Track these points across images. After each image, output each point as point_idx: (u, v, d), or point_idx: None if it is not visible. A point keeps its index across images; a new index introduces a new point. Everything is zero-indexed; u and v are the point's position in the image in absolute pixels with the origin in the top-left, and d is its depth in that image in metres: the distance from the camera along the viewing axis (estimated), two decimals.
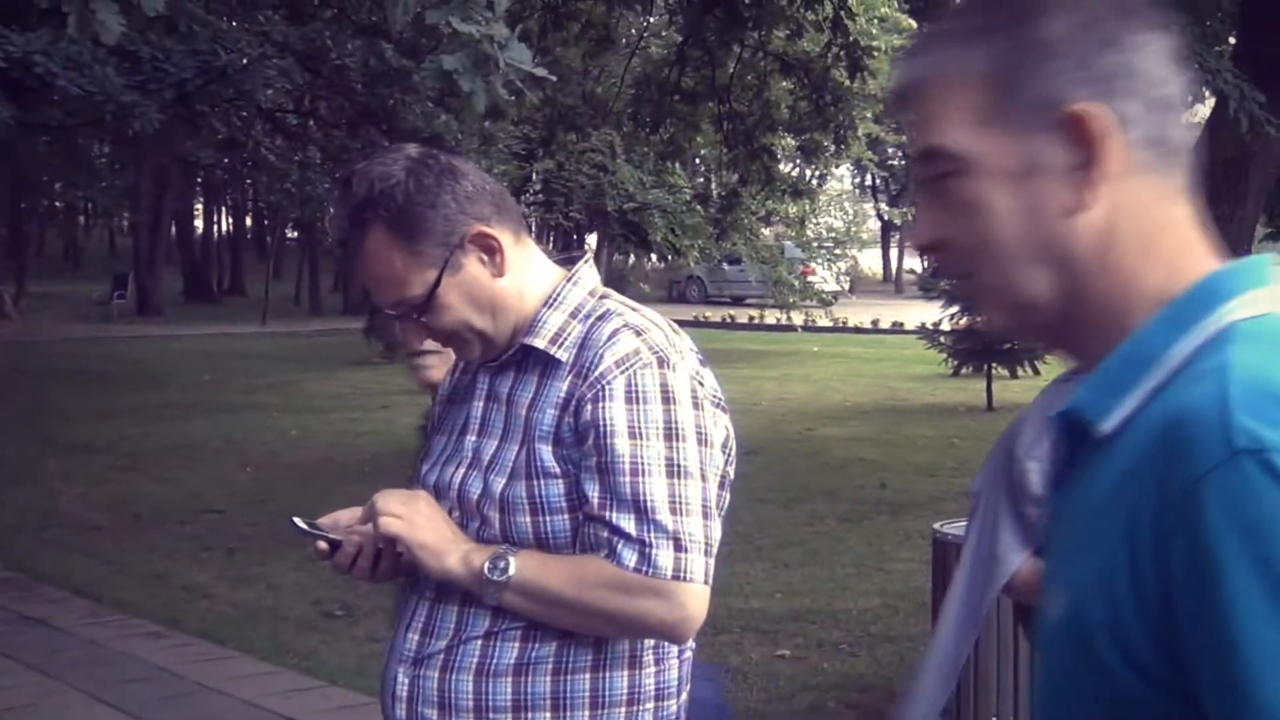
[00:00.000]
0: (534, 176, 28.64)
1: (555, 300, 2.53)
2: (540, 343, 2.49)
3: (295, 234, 49.84)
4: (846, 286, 46.61)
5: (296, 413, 19.21)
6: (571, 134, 23.51)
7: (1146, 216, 1.41)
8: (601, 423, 2.38)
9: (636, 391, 2.39)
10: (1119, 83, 1.41)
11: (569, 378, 2.45)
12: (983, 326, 1.50)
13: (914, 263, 58.42)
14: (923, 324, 21.86)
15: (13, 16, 13.98)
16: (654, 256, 34.46)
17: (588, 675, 2.45)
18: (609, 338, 2.44)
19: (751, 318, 37.16)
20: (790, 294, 29.89)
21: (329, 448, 15.56)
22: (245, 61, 16.93)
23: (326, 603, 8.93)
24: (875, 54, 17.36)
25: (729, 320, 38.55)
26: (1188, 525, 1.23)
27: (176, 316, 39.16)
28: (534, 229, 38.28)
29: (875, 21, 19.80)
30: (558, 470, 2.42)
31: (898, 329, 34.13)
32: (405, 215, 2.46)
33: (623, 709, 2.47)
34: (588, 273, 2.61)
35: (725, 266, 42.21)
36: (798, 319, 33.35)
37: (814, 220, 36.58)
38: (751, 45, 16.91)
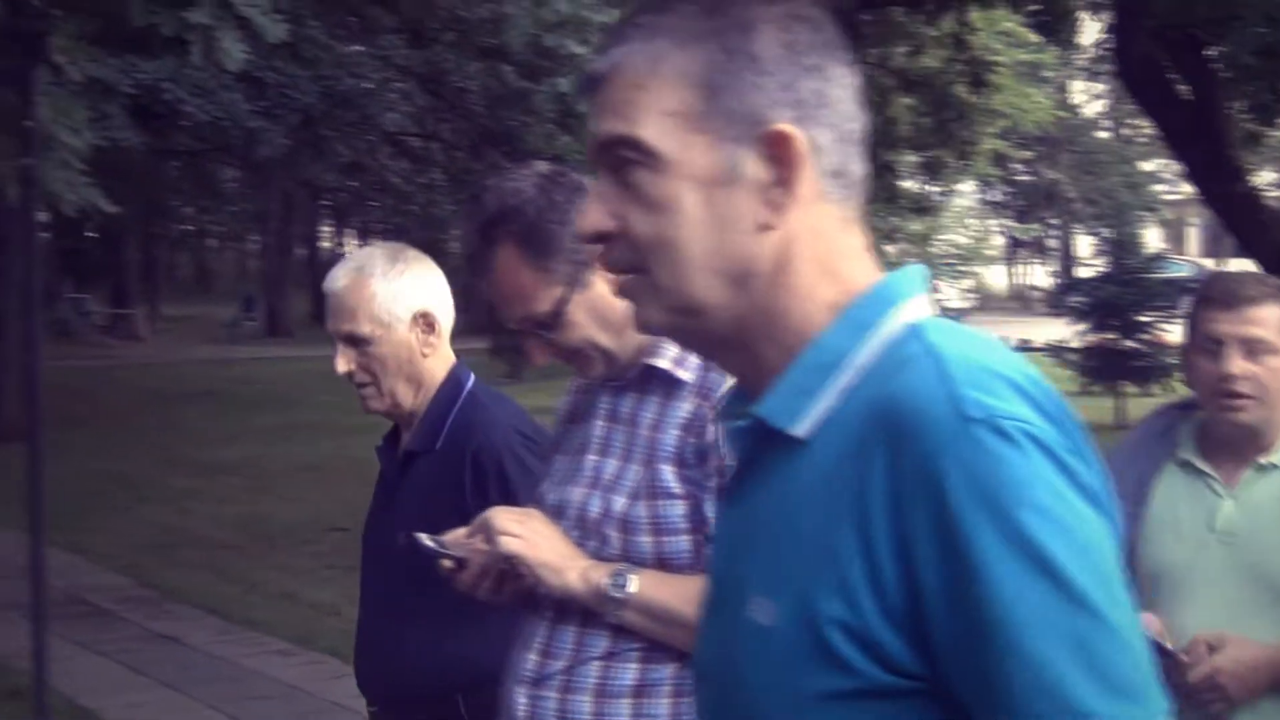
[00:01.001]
0: None
1: None
2: (663, 363, 2.47)
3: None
4: (972, 303, 46.20)
5: None
6: None
7: (825, 241, 1.44)
8: (724, 444, 2.32)
9: None
10: (817, 110, 1.43)
11: (692, 398, 2.43)
12: (636, 324, 1.48)
13: (1041, 279, 57.83)
14: (1051, 340, 21.59)
15: (141, 46, 14.27)
16: None
17: None
18: None
19: None
20: None
21: None
22: (368, 86, 17.17)
23: None
24: (998, 69, 17.21)
25: None
26: (930, 503, 1.27)
27: (305, 338, 39.61)
28: None
29: (997, 36, 19.63)
30: (680, 491, 2.39)
31: (1025, 346, 33.72)
32: (535, 232, 2.47)
33: None
34: None
35: None
36: None
37: (938, 237, 36.35)
38: (872, 62, 16.81)
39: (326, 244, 59.38)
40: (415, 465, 3.23)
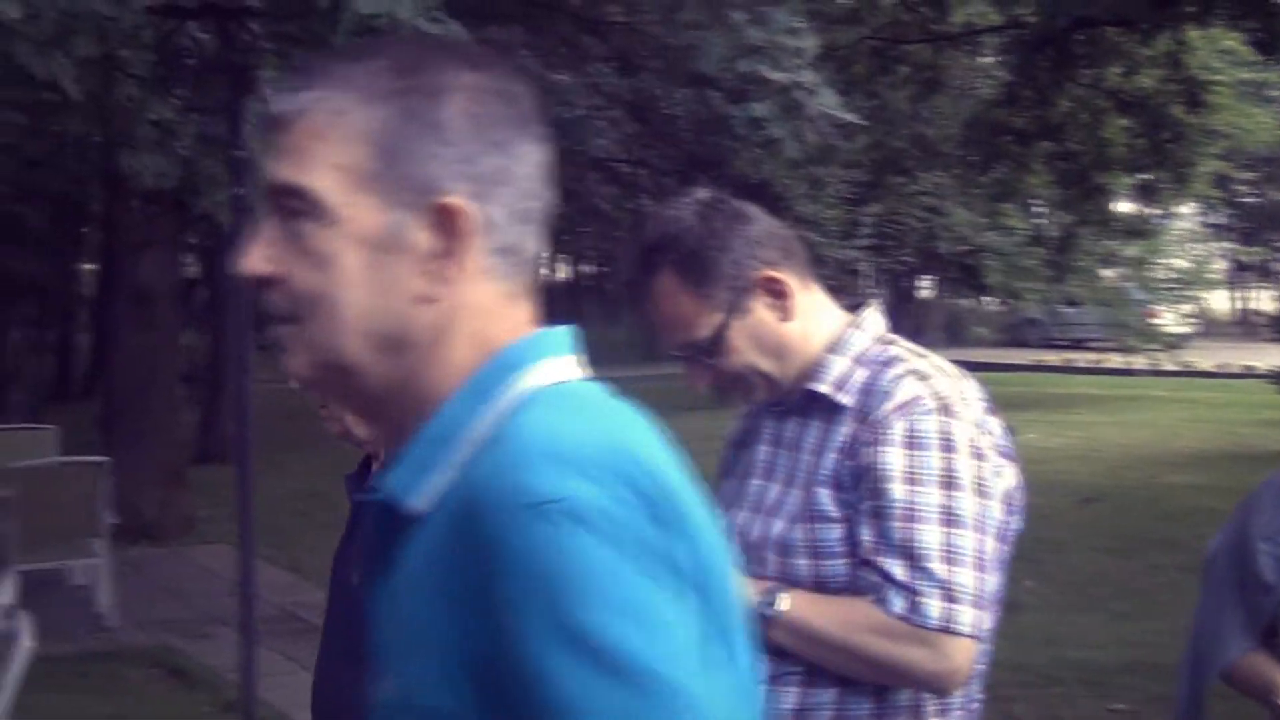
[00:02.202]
0: (864, 220, 28.51)
1: (840, 345, 2.53)
2: (824, 388, 2.49)
3: None
4: (1193, 329, 44.98)
5: None
6: (900, 177, 23.35)
7: (486, 318, 1.40)
8: (878, 467, 2.37)
9: (916, 437, 2.37)
10: (494, 188, 1.40)
11: (851, 422, 2.44)
12: (287, 373, 1.42)
13: (1266, 304, 56.07)
14: (1274, 366, 20.94)
15: None
16: (989, 299, 33.92)
17: None
18: (892, 383, 2.43)
19: (1093, 362, 36.13)
20: (1133, 337, 29.00)
21: None
22: (575, 115, 17.38)
23: None
24: (1217, 89, 16.79)
25: (1068, 364, 37.58)
26: (489, 599, 1.21)
27: None
28: (865, 273, 38.13)
29: (1218, 55, 19.15)
30: (836, 514, 2.41)
31: (1248, 373, 32.74)
32: (695, 258, 2.48)
33: None
34: (874, 318, 2.59)
35: (1065, 309, 41.21)
36: (1141, 363, 32.31)
37: (1157, 261, 35.46)
38: (1085, 83, 16.53)
39: (541, 269, 60.07)
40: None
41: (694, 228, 2.50)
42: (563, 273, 65.62)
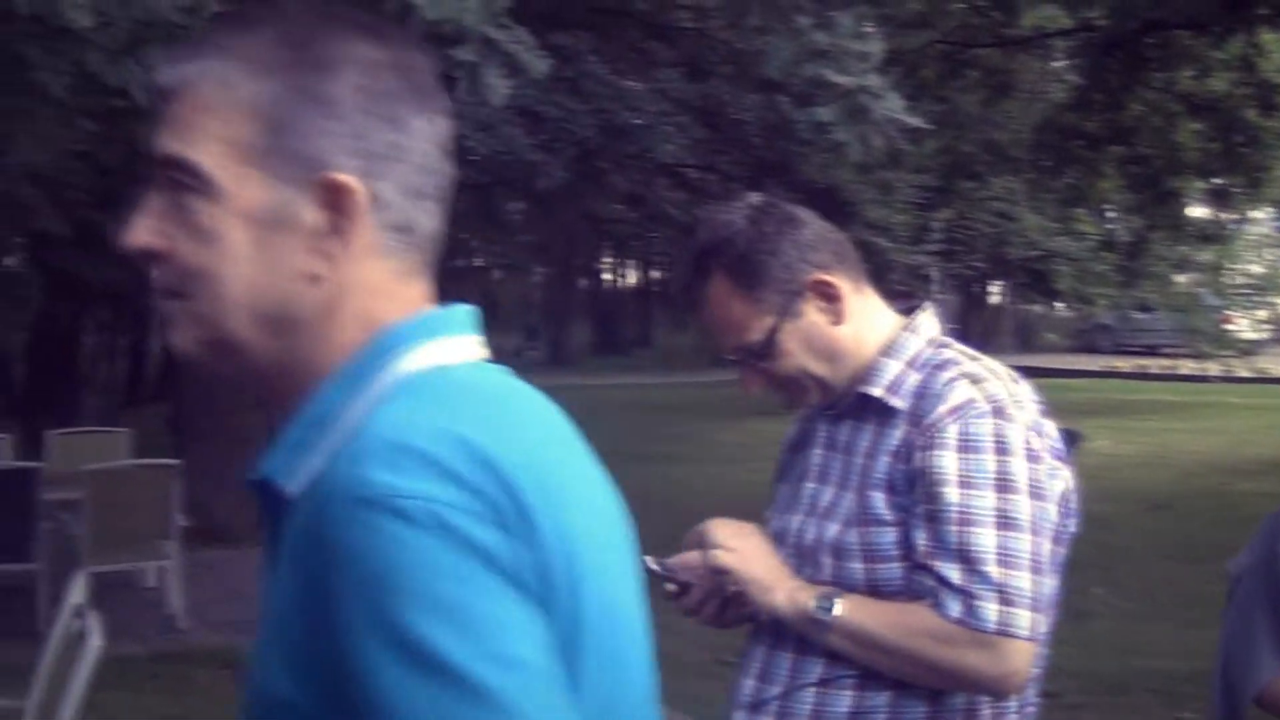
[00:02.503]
0: (934, 225, 28.38)
1: (894, 349, 2.53)
2: (877, 390, 2.49)
3: None
4: (1268, 335, 44.48)
5: (700, 462, 19.43)
6: (970, 181, 23.24)
7: (376, 297, 1.37)
8: (932, 470, 2.36)
9: (970, 441, 2.36)
10: (385, 164, 1.37)
11: (904, 425, 2.44)
12: (175, 351, 1.40)
13: None
14: None
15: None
16: (1060, 304, 33.70)
17: None
18: (945, 386, 2.43)
19: (1165, 368, 35.78)
20: (1207, 343, 28.73)
21: (733, 498, 15.58)
22: (643, 121, 17.42)
23: (722, 650, 8.99)
24: None
25: (1141, 370, 37.25)
26: (323, 593, 1.20)
27: (586, 367, 40.24)
28: (934, 278, 37.93)
29: None
30: (890, 518, 2.41)
31: None
32: (745, 262, 2.50)
33: None
34: (927, 321, 2.59)
35: (1137, 314, 40.87)
36: (1214, 369, 31.99)
37: (1232, 266, 35.14)
38: (1156, 86, 16.40)
39: (608, 275, 60.24)
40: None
41: (745, 231, 2.51)
42: (631, 278, 65.67)
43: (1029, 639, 2.34)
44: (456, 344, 1.42)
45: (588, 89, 17.29)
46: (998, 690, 2.39)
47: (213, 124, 1.36)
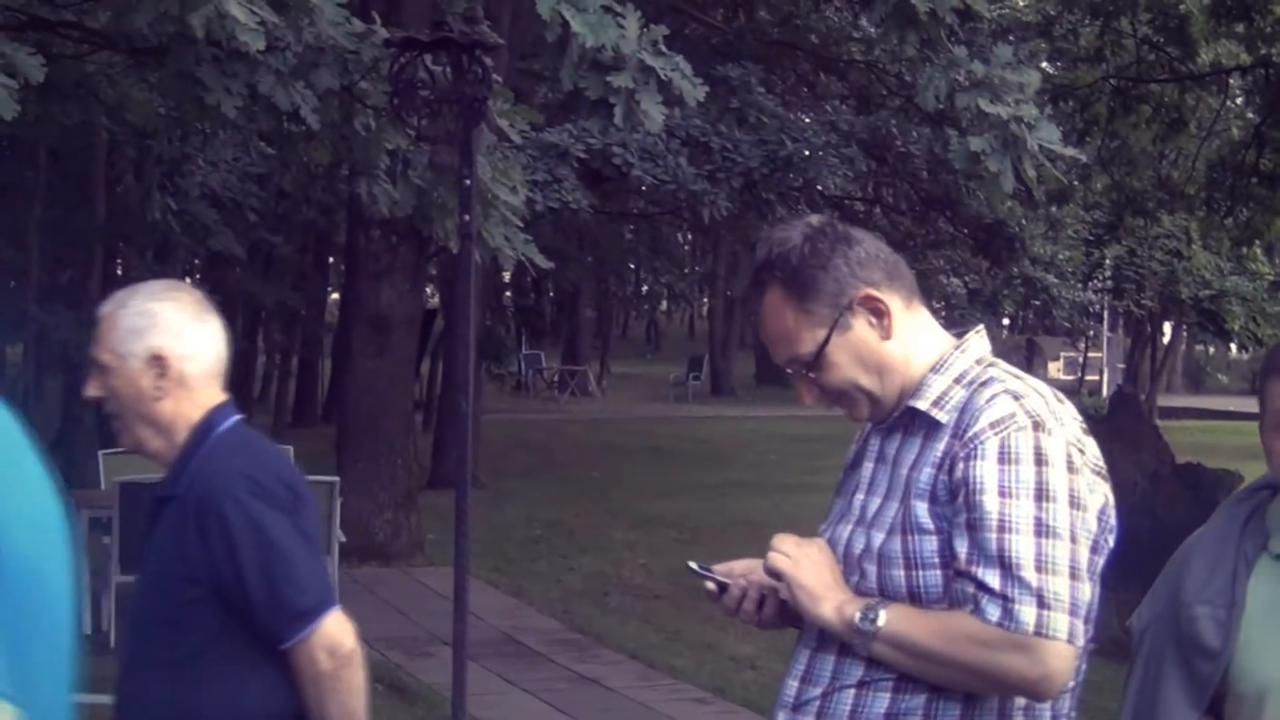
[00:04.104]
0: (1105, 262, 27.95)
1: (941, 366, 2.63)
2: (923, 405, 2.58)
3: None
4: None
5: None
6: (1141, 219, 22.88)
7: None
8: (973, 480, 2.45)
9: (1009, 453, 2.45)
10: None
11: (947, 439, 2.53)
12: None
13: None
14: None
15: (590, 111, 14.89)
16: (1233, 346, 32.95)
17: None
18: (988, 401, 2.52)
19: None
20: None
21: None
22: (809, 152, 17.42)
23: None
24: None
25: None
26: None
27: (747, 398, 40.26)
28: (1103, 315, 37.32)
29: None
30: (932, 527, 2.50)
31: None
32: (799, 276, 2.61)
33: None
34: (977, 342, 2.68)
35: None
36: None
37: None
38: None
39: None
40: (164, 511, 3.20)
41: (799, 247, 2.62)
42: None
43: (1068, 642, 2.40)
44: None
45: (755, 120, 17.35)
46: (1036, 693, 2.46)
47: None
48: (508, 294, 35.38)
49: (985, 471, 2.45)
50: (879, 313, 2.61)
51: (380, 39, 6.63)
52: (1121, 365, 40.02)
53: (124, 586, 9.69)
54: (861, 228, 2.78)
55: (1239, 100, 21.46)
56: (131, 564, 9.67)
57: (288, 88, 6.40)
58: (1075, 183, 21.07)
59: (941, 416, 2.55)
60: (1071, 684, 2.52)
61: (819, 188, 19.44)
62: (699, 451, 25.06)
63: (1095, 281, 29.26)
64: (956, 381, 2.59)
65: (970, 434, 2.48)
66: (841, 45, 21.79)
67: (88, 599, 10.11)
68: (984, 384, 2.57)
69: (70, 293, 17.78)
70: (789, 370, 2.68)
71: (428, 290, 26.52)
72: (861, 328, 2.61)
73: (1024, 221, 21.72)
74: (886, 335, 2.62)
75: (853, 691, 2.55)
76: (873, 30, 19.49)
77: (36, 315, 15.14)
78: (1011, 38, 21.77)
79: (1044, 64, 22.80)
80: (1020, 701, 2.52)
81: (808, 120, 19.79)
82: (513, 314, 35.06)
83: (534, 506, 17.28)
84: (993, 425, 2.48)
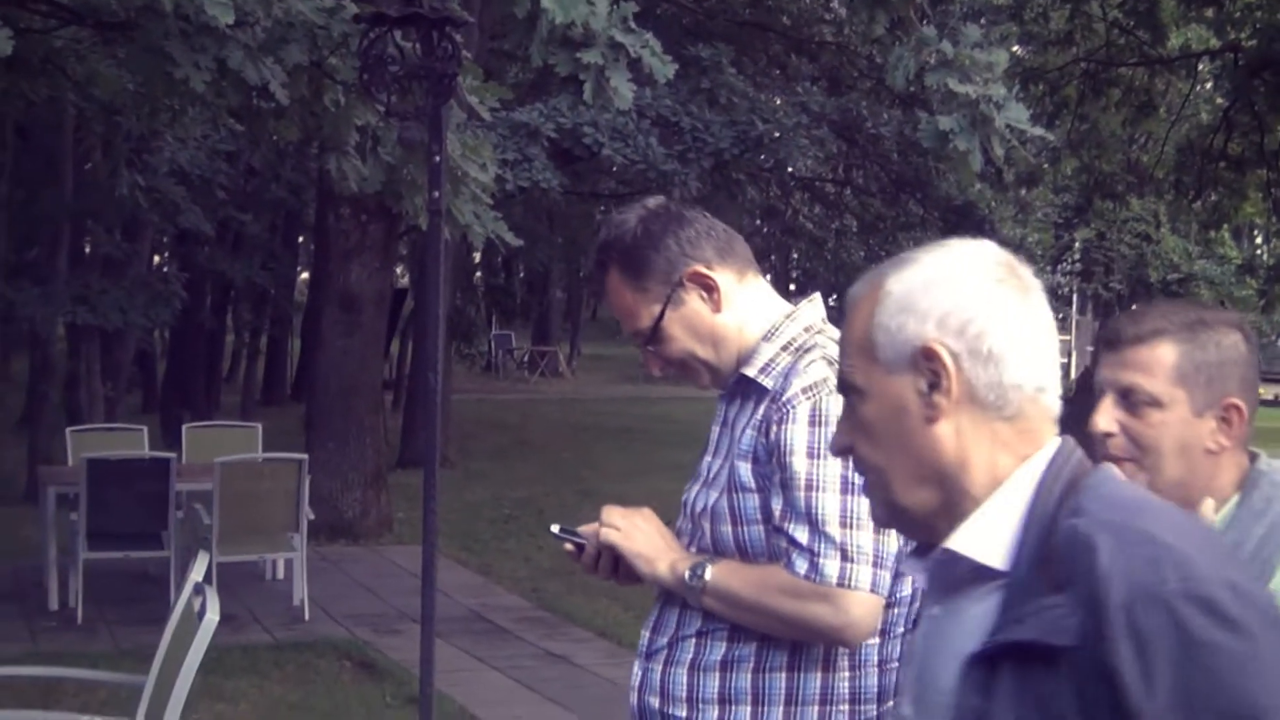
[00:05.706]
0: (1074, 245, 28.05)
1: (772, 334, 2.81)
2: (751, 371, 2.77)
3: (835, 300, 50.52)
4: None
5: None
6: (1110, 202, 22.96)
7: None
8: (784, 442, 2.64)
9: (819, 415, 2.63)
10: None
11: (766, 402, 2.71)
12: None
13: None
14: None
15: (559, 89, 14.84)
16: None
17: (784, 674, 2.70)
18: (806, 366, 2.69)
19: None
20: None
21: None
22: (780, 133, 17.40)
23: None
24: None
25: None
26: None
27: None
28: (1073, 298, 37.42)
29: None
30: (754, 485, 2.69)
31: None
32: (633, 256, 2.82)
33: (815, 707, 2.69)
34: (808, 310, 2.86)
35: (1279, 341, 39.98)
36: None
37: None
38: None
39: None
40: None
41: (633, 229, 2.82)
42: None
43: (870, 592, 2.60)
44: None
45: (725, 100, 17.33)
46: (841, 639, 2.64)
47: None
48: (478, 274, 35.31)
49: (795, 434, 2.63)
50: (709, 288, 2.80)
51: (350, 14, 6.59)
52: (1090, 348, 40.19)
53: (91, 563, 9.69)
54: (832, 209, 2.85)
55: (1208, 85, 21.54)
56: (98, 541, 9.67)
57: (257, 63, 6.36)
58: (1045, 165, 21.14)
59: (767, 382, 2.73)
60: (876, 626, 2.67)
61: (789, 169, 19.47)
62: (668, 431, 25.08)
63: (1064, 264, 29.36)
64: (784, 349, 2.78)
65: (785, 398, 2.66)
66: (813, 27, 21.76)
67: (54, 575, 10.11)
68: (808, 350, 2.73)
69: (37, 270, 17.65)
70: (636, 343, 2.86)
71: (398, 270, 26.46)
72: (694, 302, 2.80)
73: (994, 204, 21.80)
74: (717, 309, 2.80)
75: (693, 641, 2.75)
76: (843, 11, 19.48)
77: (3, 292, 15.03)
78: (983, 21, 21.84)
79: (1015, 47, 22.85)
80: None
81: (779, 101, 19.76)
82: (483, 294, 35.02)
83: (503, 486, 17.30)
84: (805, 390, 2.65)
